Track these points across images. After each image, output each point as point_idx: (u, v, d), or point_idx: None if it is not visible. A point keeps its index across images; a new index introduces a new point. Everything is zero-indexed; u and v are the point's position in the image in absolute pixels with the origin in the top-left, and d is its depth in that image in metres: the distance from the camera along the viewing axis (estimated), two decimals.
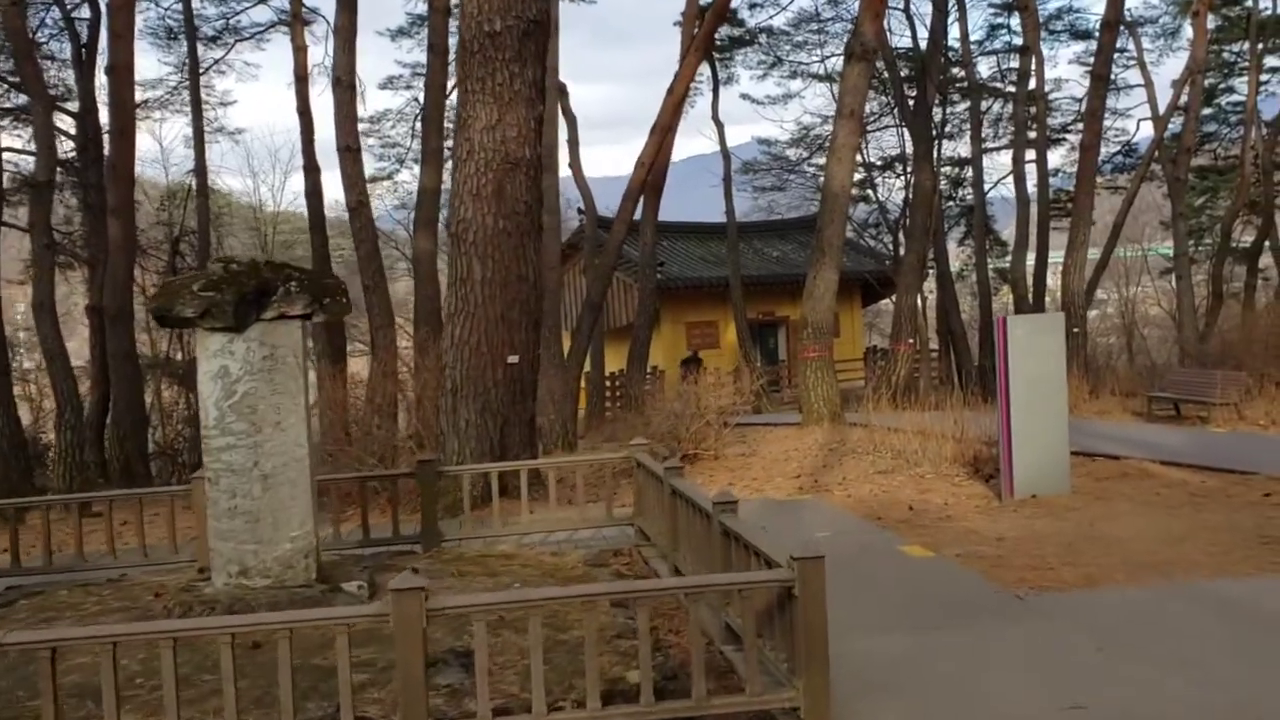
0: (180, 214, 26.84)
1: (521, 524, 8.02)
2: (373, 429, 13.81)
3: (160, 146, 47.10)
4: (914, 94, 27.24)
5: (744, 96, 38.66)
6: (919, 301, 28.76)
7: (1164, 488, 9.35)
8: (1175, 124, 29.71)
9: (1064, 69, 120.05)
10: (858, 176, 35.88)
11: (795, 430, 16.63)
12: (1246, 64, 31.33)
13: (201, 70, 26.84)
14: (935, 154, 27.78)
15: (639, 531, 7.84)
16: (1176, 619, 5.53)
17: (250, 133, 75.28)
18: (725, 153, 30.57)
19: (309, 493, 5.76)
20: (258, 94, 34.46)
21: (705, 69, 31.79)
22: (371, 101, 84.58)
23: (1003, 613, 5.79)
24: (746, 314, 29.29)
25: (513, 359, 9.79)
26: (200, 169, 25.19)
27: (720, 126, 30.62)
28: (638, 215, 26.92)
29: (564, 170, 28.85)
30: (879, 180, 36.99)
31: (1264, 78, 32.04)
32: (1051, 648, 5.14)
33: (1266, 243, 30.61)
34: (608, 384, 28.56)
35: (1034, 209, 28.19)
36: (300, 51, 22.06)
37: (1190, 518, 8.10)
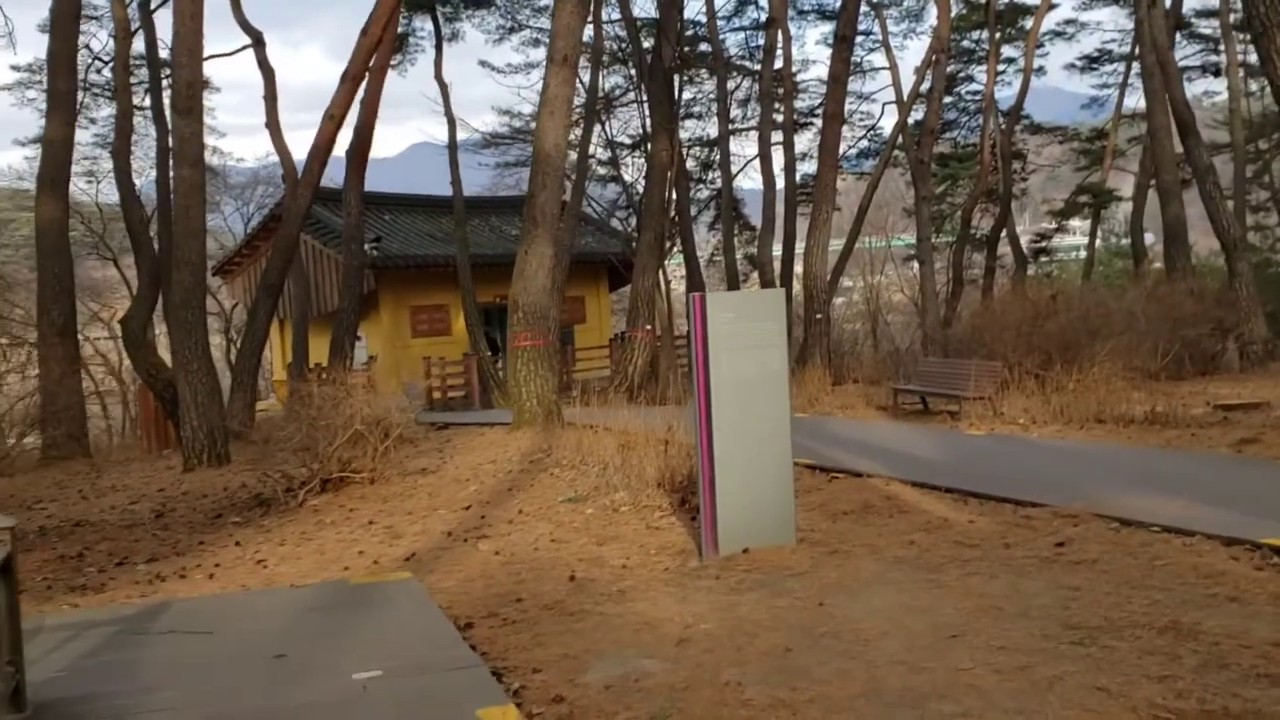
0: None
1: None
2: None
3: None
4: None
5: (483, 63, 34.88)
6: (663, 286, 26.41)
7: (921, 531, 6.69)
8: (918, 112, 28.98)
9: (812, 49, 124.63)
10: (604, 155, 33.49)
11: (504, 434, 13.73)
12: (985, 52, 31.17)
13: None
14: (675, 126, 25.30)
15: None
16: None
17: None
18: (450, 117, 26.93)
19: None
20: None
21: (429, 25, 28.22)
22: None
23: None
24: (479, 297, 25.88)
25: None
26: None
27: (444, 88, 27.01)
28: (340, 182, 23.02)
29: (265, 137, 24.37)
30: (627, 160, 35.03)
31: (1001, 67, 32.16)
32: None
33: (1004, 230, 30.70)
34: (312, 377, 24.36)
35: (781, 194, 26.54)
36: None
37: (961, 588, 5.42)
